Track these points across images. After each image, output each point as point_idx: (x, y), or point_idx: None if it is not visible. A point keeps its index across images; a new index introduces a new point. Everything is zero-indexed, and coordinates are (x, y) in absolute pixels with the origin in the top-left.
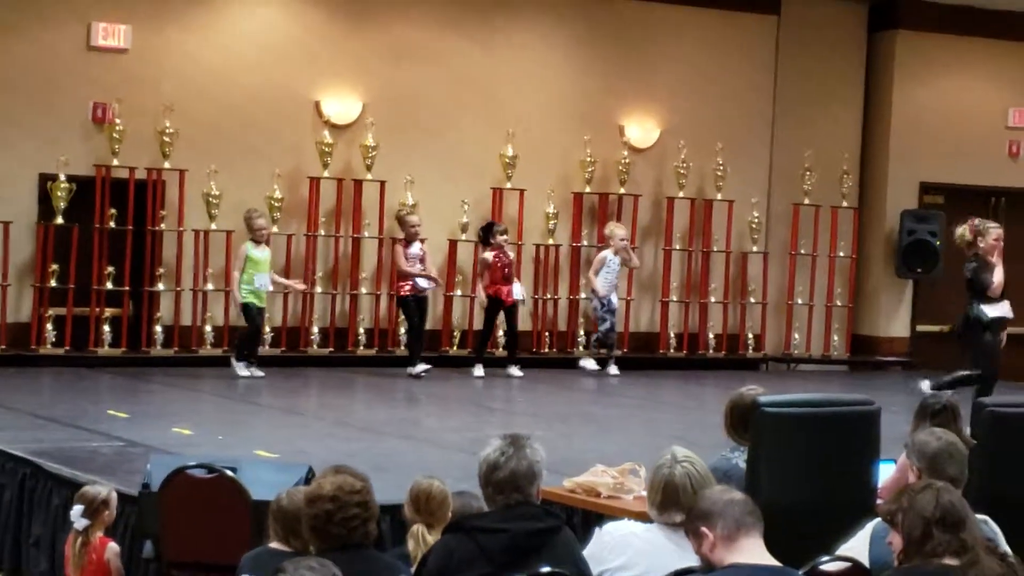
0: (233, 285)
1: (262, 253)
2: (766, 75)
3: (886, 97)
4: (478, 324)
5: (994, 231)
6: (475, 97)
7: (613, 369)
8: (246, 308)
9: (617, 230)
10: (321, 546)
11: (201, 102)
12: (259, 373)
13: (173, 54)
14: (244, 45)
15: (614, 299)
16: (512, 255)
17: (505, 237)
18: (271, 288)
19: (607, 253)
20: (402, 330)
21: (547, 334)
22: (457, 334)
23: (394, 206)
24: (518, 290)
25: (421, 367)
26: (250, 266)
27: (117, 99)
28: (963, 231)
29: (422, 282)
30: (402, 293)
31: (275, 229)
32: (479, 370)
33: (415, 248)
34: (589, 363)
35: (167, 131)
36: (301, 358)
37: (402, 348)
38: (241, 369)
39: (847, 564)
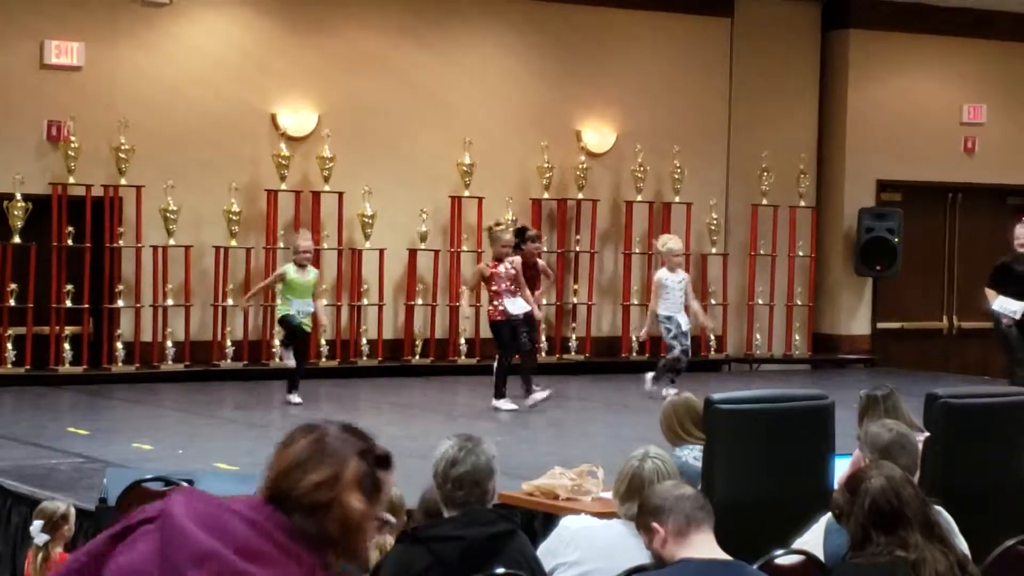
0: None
1: (304, 276)
2: (721, 77)
3: (841, 96)
4: (440, 333)
5: None
6: (431, 106)
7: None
8: (282, 320)
9: (672, 244)
10: None
11: (156, 118)
12: (296, 400)
13: (127, 70)
14: (198, 59)
15: (682, 321)
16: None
17: (537, 245)
18: (310, 311)
19: (662, 272)
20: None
21: None
22: (419, 343)
23: (352, 217)
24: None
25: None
26: (286, 290)
27: (71, 117)
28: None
29: (513, 307)
30: (493, 318)
31: (233, 243)
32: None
33: (504, 267)
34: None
35: (123, 147)
36: (263, 371)
37: (364, 359)
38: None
39: (801, 557)
